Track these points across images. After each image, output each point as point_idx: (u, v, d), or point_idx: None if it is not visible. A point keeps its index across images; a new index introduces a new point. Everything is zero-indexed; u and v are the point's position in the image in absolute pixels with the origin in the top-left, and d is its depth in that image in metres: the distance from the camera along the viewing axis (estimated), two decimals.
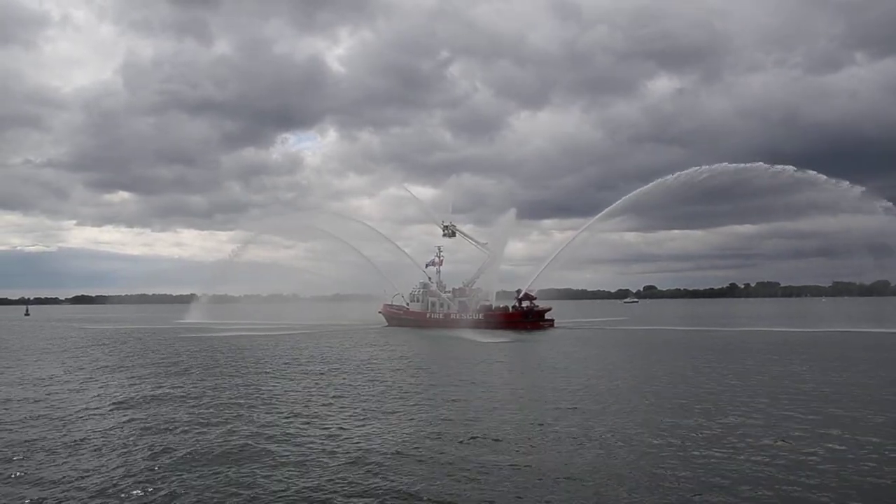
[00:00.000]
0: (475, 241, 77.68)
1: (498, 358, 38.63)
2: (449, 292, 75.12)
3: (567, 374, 29.76)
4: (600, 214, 69.54)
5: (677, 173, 62.24)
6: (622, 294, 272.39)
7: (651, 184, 64.62)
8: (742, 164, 59.83)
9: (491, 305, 71.36)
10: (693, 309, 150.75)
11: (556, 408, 20.89)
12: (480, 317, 67.93)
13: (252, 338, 56.33)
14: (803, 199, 60.17)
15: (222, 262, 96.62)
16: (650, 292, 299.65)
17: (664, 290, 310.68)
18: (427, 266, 77.95)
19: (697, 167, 61.69)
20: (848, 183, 55.29)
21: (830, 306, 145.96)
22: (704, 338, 53.03)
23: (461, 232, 77.92)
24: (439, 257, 77.00)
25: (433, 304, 74.91)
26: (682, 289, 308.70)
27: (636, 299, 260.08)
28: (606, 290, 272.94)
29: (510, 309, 70.44)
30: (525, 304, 69.90)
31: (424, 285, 76.56)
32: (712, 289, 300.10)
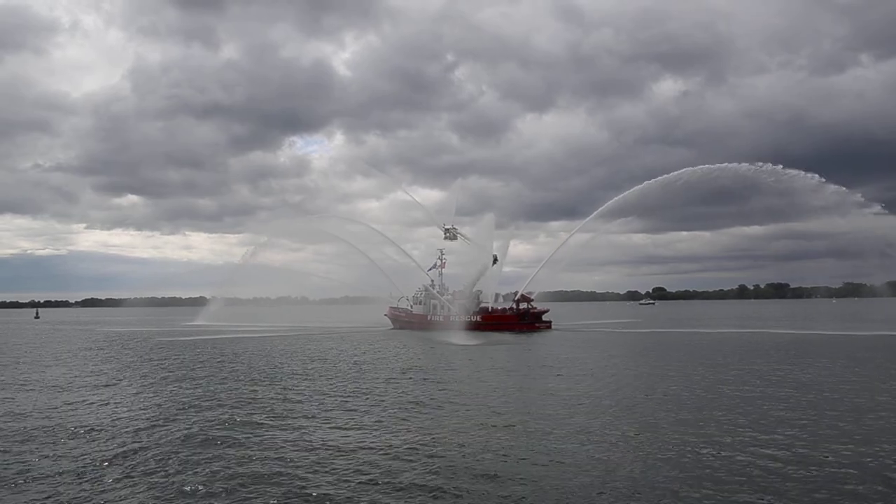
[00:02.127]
0: (475, 244, 78.48)
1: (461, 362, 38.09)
2: (451, 295, 75.88)
3: (529, 378, 30.56)
4: (592, 216, 70.20)
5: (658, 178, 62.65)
6: (632, 296, 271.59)
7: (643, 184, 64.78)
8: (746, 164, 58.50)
9: (489, 307, 72.25)
10: (702, 310, 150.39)
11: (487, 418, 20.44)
12: (478, 319, 68.53)
13: (263, 339, 57.58)
14: (805, 200, 58.90)
15: (232, 265, 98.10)
16: (659, 294, 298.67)
17: (673, 291, 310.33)
18: (429, 269, 78.86)
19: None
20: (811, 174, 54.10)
21: (840, 308, 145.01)
22: (711, 339, 53.37)
23: (462, 235, 78.80)
24: (441, 260, 77.91)
25: (434, 307, 75.93)
26: (691, 290, 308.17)
27: (652, 301, 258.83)
28: (616, 291, 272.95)
29: (507, 311, 71.33)
30: (522, 305, 70.86)
31: (427, 288, 77.52)
32: (722, 290, 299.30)
